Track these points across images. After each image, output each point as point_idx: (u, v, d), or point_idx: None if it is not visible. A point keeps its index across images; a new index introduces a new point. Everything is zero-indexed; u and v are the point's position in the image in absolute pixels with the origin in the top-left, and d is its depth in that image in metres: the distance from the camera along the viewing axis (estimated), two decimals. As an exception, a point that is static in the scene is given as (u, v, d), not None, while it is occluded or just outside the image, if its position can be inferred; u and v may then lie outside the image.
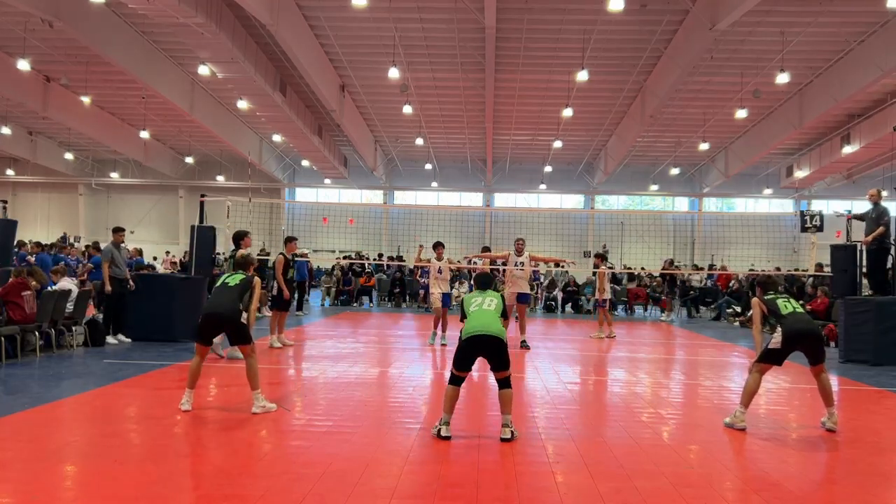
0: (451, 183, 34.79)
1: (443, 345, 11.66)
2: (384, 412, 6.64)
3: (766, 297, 6.52)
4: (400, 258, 24.86)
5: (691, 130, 26.31)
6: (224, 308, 6.48)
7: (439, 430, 5.58)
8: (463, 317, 6.01)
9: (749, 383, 6.33)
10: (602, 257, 14.62)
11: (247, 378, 6.44)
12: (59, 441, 5.31)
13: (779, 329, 6.27)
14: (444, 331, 11.99)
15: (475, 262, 13.45)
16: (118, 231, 11.63)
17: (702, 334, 16.28)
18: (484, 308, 5.87)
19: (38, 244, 18.88)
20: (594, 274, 15.41)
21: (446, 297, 12.10)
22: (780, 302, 6.39)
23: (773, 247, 28.93)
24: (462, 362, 5.69)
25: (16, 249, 17.02)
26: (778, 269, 22.74)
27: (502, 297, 6.20)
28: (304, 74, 19.78)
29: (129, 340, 11.10)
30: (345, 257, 25.82)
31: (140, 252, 21.78)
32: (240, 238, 10.55)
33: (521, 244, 12.25)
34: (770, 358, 6.33)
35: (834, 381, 9.38)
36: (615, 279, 23.40)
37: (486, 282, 6.34)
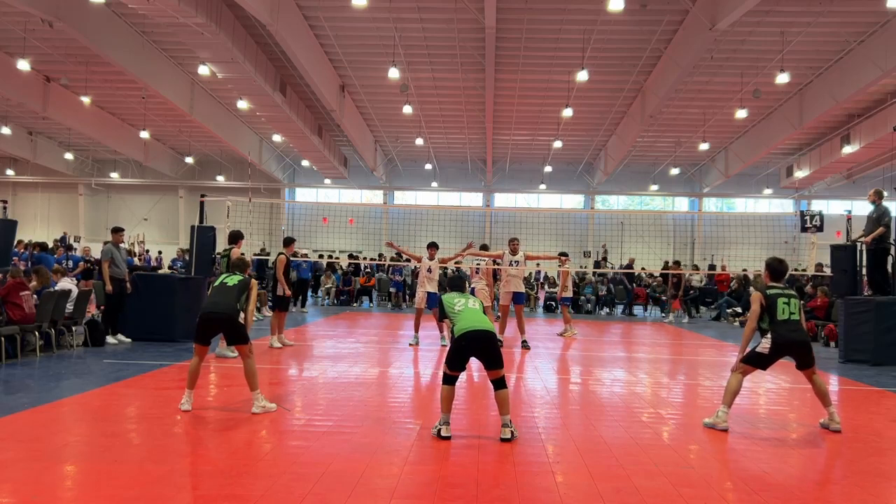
0: (451, 183, 34.77)
1: (442, 345, 11.66)
2: (384, 412, 6.64)
3: (768, 291, 6.28)
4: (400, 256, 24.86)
5: (691, 130, 26.31)
6: (222, 308, 6.49)
7: (439, 431, 5.59)
8: (443, 316, 6.06)
9: (731, 383, 6.29)
10: (565, 255, 14.45)
11: (245, 378, 6.44)
12: (59, 441, 5.31)
13: (769, 335, 6.21)
14: (442, 332, 11.98)
15: (477, 262, 13.44)
16: (117, 231, 11.63)
17: (702, 334, 16.29)
18: (470, 307, 5.95)
19: (37, 244, 18.90)
20: (557, 275, 15.40)
21: (433, 298, 11.98)
22: (780, 302, 6.19)
23: (773, 247, 28.89)
24: (456, 361, 5.71)
25: (20, 251, 17.07)
26: (791, 286, 22.70)
27: (481, 302, 6.29)
28: (304, 74, 19.77)
29: (129, 340, 11.11)
30: (349, 256, 25.80)
31: (130, 252, 21.77)
32: (237, 238, 10.69)
33: (516, 244, 12.25)
34: (756, 361, 6.29)
35: (834, 381, 9.40)
36: (615, 280, 23.41)
37: (459, 284, 6.52)
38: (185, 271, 15.39)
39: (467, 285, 12.03)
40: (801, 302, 6.53)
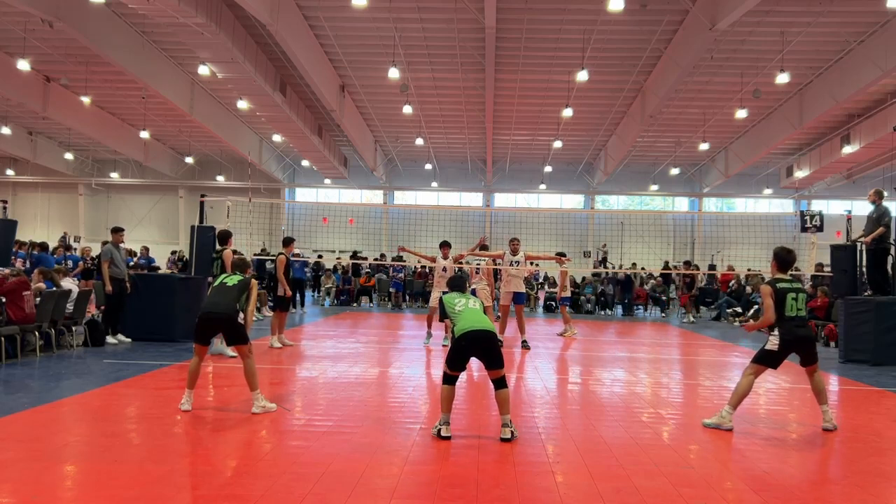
0: (451, 183, 34.76)
1: (444, 345, 11.66)
2: (384, 412, 6.64)
3: (778, 285, 6.20)
4: (400, 259, 24.87)
5: (691, 130, 26.30)
6: (221, 308, 6.48)
7: (439, 431, 5.59)
8: (444, 316, 6.10)
9: (742, 384, 6.25)
10: (563, 255, 14.40)
11: (245, 378, 6.44)
12: (59, 441, 5.31)
13: (776, 331, 6.20)
14: (447, 331, 11.97)
15: (477, 262, 13.45)
16: (117, 231, 11.63)
17: (702, 334, 16.29)
18: (470, 307, 5.98)
19: (35, 244, 18.90)
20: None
21: None
22: (789, 298, 6.12)
23: (773, 247, 28.89)
24: (456, 361, 5.72)
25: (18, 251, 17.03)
26: (798, 278, 22.75)
27: (482, 302, 6.31)
28: (304, 74, 19.77)
29: (129, 340, 11.11)
30: (350, 257, 25.79)
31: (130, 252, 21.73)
32: (226, 238, 10.72)
33: (517, 244, 12.25)
34: (767, 359, 6.26)
35: (834, 381, 9.40)
36: (616, 281, 23.41)
37: (460, 285, 6.53)
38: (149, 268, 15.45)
39: (468, 285, 12.03)
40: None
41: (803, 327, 6.20)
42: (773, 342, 6.18)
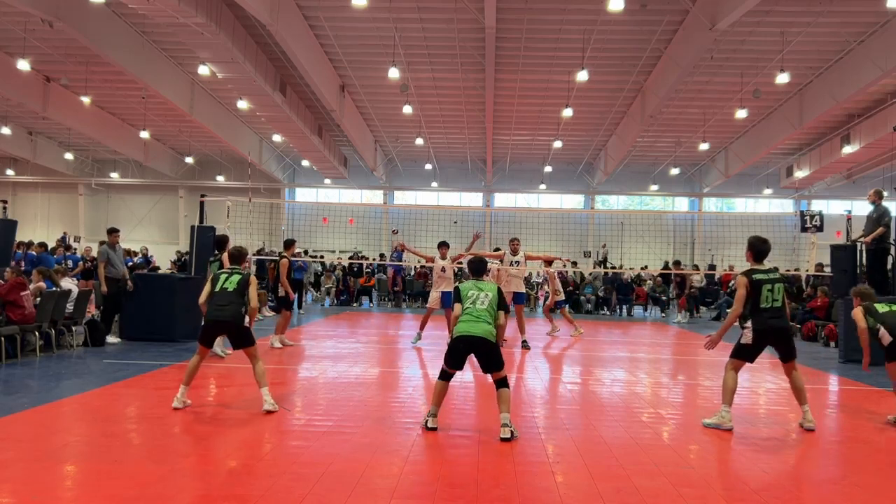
0: (451, 183, 34.76)
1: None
2: (384, 412, 6.64)
3: (754, 276, 6.12)
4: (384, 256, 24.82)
5: (691, 130, 26.30)
6: (227, 314, 6.50)
7: (426, 422, 5.65)
8: (457, 300, 5.93)
9: (728, 382, 6.21)
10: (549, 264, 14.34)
11: (255, 378, 6.49)
12: (59, 441, 5.31)
13: (749, 323, 6.13)
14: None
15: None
16: (113, 232, 11.64)
17: (702, 334, 16.28)
18: (478, 306, 5.81)
19: (41, 244, 18.93)
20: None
21: (447, 297, 11.95)
22: (764, 290, 6.06)
23: (773, 246, 28.83)
24: (452, 360, 5.74)
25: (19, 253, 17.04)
26: (776, 268, 22.69)
27: (499, 288, 6.05)
28: (304, 74, 19.77)
29: (118, 341, 11.08)
30: (349, 257, 25.80)
31: (129, 252, 21.73)
32: (224, 244, 10.74)
33: (517, 244, 12.25)
34: (743, 353, 6.23)
35: (834, 381, 9.41)
36: (615, 280, 23.40)
37: (479, 268, 6.26)
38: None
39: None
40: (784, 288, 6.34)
41: (778, 318, 6.09)
42: (747, 335, 6.15)
